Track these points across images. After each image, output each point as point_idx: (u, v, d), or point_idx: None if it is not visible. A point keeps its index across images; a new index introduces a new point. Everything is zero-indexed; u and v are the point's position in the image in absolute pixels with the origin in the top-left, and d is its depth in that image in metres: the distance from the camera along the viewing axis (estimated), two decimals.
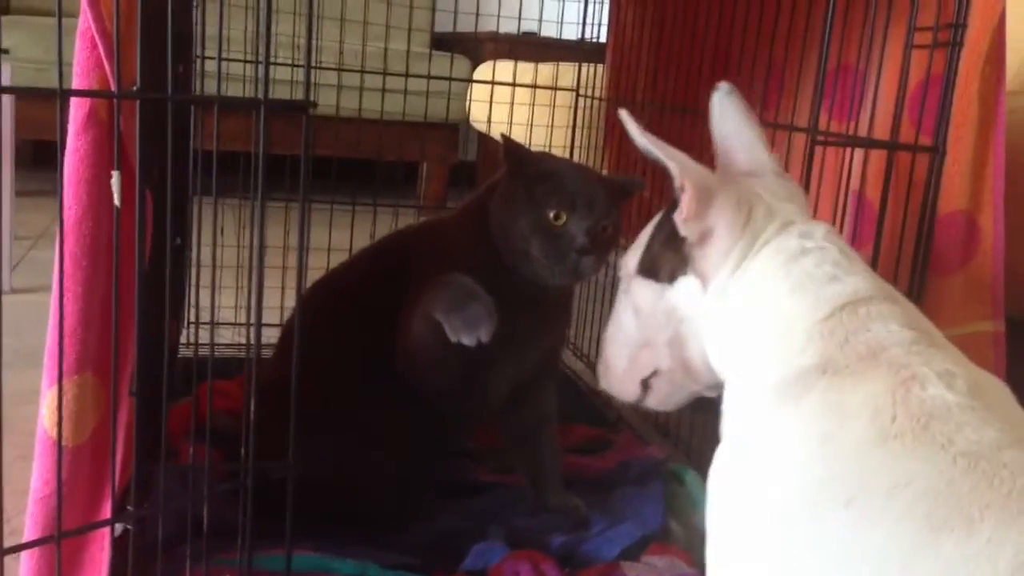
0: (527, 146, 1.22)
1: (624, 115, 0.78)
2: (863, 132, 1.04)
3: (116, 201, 0.76)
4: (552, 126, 1.83)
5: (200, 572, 0.86)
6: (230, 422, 1.24)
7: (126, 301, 0.78)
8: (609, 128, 1.82)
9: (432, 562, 1.07)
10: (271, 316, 1.31)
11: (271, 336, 1.51)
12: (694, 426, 1.44)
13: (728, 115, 0.81)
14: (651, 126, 1.65)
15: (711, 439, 1.36)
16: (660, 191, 1.61)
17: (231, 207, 1.12)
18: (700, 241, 0.75)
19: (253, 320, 0.82)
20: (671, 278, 0.77)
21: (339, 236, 1.61)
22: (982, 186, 1.04)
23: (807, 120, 0.99)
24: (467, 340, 1.03)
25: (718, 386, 0.77)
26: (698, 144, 1.49)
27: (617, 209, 1.12)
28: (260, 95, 0.77)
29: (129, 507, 0.83)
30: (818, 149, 0.98)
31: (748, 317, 0.72)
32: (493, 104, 1.94)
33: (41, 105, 2.90)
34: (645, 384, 0.83)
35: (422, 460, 1.18)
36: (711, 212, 0.74)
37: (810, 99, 1.00)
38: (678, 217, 0.74)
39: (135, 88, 0.76)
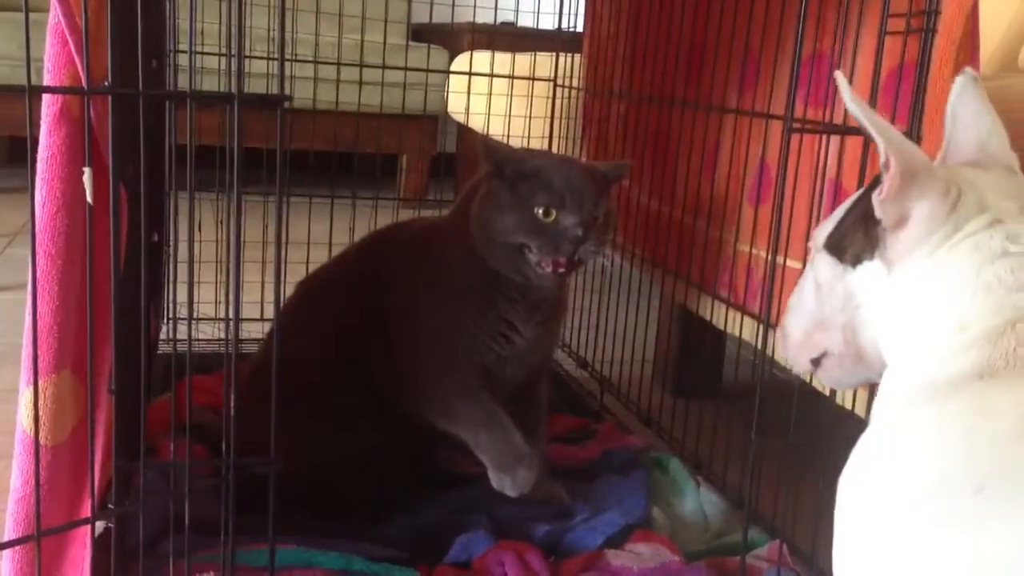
0: (506, 137, 1.21)
1: (839, 77, 0.71)
2: (839, 119, 1.04)
3: (88, 198, 0.75)
4: (530, 116, 1.82)
5: (182, 569, 0.86)
6: (212, 417, 1.24)
7: (102, 298, 0.78)
8: (587, 117, 1.82)
9: (417, 554, 1.07)
10: (250, 311, 1.31)
11: (251, 331, 1.51)
12: (675, 415, 1.45)
13: (969, 100, 0.76)
14: (628, 115, 1.66)
15: (691, 428, 1.38)
16: (637, 177, 1.61)
17: (208, 202, 1.12)
18: (895, 225, 0.70)
19: (232, 315, 0.82)
20: (855, 262, 0.74)
21: (318, 230, 1.61)
22: None
23: (783, 108, 0.99)
24: (510, 494, 1.12)
25: None
26: (677, 132, 1.50)
27: (605, 198, 1.12)
28: (234, 89, 0.77)
29: (110, 505, 0.83)
30: (795, 137, 0.98)
31: (924, 309, 0.69)
32: (471, 95, 1.94)
33: (17, 102, 2.86)
34: (816, 362, 0.81)
35: (403, 452, 1.18)
36: (913, 195, 0.69)
37: (786, 87, 1.00)
38: (877, 197, 0.70)
39: (106, 84, 0.75)
